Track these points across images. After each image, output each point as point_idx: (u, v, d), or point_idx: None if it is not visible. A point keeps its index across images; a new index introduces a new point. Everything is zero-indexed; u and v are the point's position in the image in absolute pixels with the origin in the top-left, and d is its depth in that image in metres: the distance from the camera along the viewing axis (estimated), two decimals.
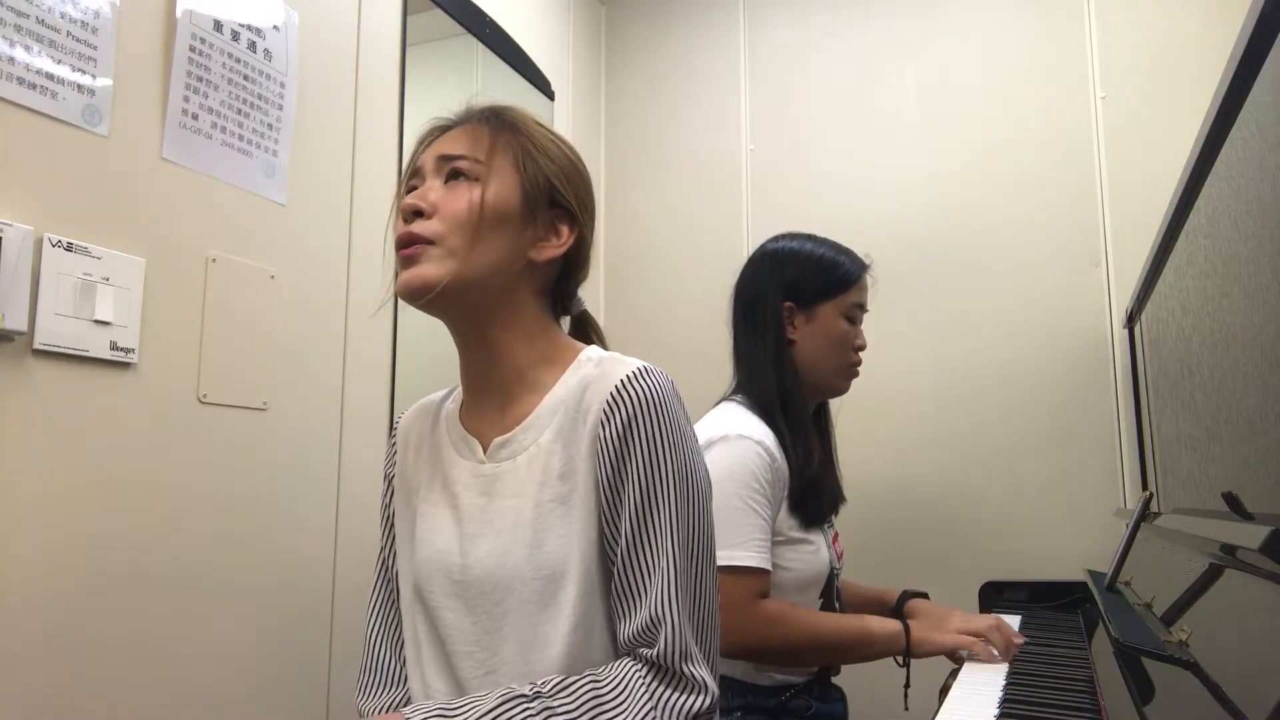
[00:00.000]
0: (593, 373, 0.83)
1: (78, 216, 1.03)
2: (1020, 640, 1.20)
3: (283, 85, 1.32)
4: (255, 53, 1.28)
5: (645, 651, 0.75)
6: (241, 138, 1.25)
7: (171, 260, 1.14)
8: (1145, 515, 1.26)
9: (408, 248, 0.81)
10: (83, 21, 1.04)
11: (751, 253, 1.42)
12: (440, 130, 0.88)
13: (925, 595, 1.44)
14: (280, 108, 1.31)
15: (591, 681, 0.73)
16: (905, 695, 1.27)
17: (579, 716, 0.71)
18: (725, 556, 1.11)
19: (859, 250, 1.40)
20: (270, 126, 1.30)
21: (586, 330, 0.95)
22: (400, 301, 0.91)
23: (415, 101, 1.61)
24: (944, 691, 1.05)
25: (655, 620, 0.75)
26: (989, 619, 1.21)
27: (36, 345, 0.97)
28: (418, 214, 0.82)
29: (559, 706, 0.71)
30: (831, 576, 1.32)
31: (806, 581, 1.28)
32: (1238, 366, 0.87)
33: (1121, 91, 1.90)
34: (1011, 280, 1.95)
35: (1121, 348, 1.84)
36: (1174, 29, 1.86)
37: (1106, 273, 1.88)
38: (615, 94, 2.45)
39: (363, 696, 0.90)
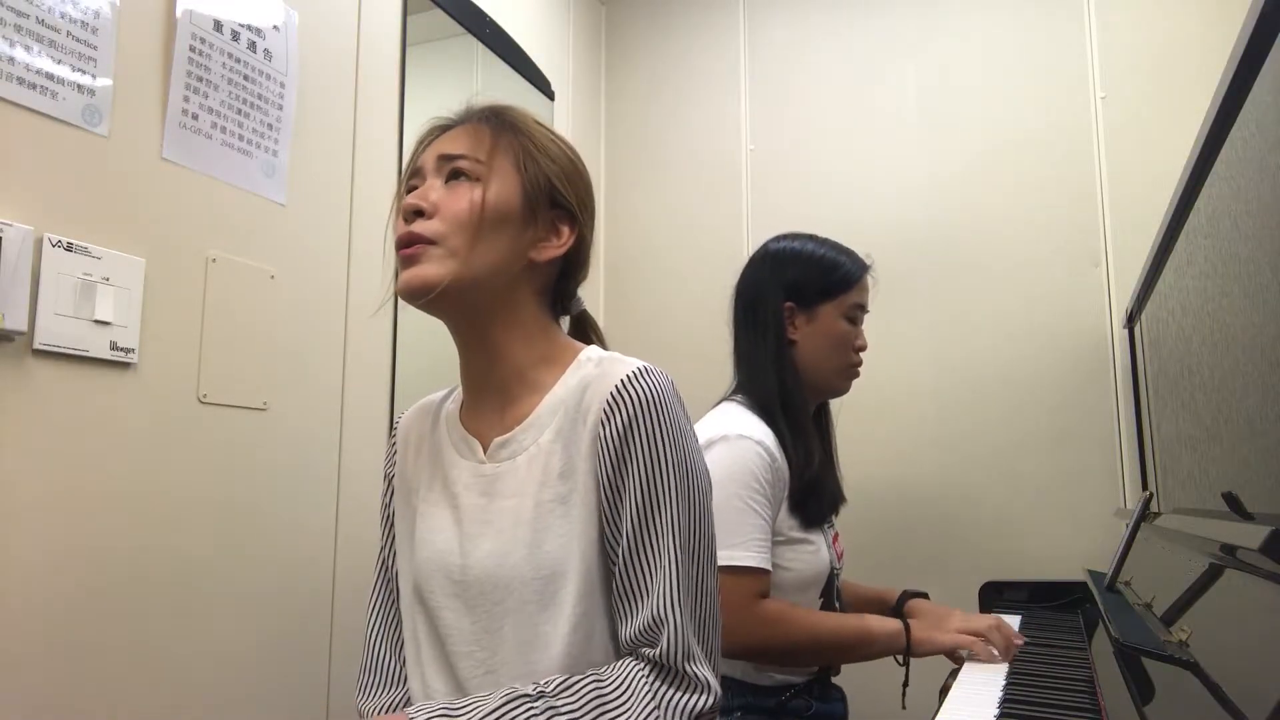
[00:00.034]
0: (593, 373, 0.83)
1: (78, 216, 1.03)
2: (1020, 640, 1.20)
3: (283, 85, 1.32)
4: (255, 53, 1.28)
5: (648, 651, 0.75)
6: (241, 138, 1.25)
7: (171, 260, 1.14)
8: (1145, 515, 1.26)
9: (409, 247, 0.81)
10: (83, 21, 1.04)
11: (752, 253, 1.42)
12: (441, 130, 0.88)
13: (925, 595, 1.44)
14: (280, 108, 1.31)
15: (595, 681, 0.73)
16: (903, 694, 1.27)
17: (583, 716, 0.71)
18: (725, 556, 1.11)
19: (859, 250, 1.40)
20: (270, 126, 1.30)
21: (586, 330, 0.95)
22: (400, 301, 0.91)
23: (415, 101, 1.61)
24: (944, 692, 1.05)
25: (657, 620, 0.75)
26: (989, 619, 1.21)
27: (36, 345, 0.97)
28: (419, 214, 0.82)
29: (563, 706, 0.71)
30: (832, 577, 1.32)
31: (807, 582, 1.28)
32: (1238, 366, 0.87)
33: (1121, 91, 1.90)
34: (1011, 280, 1.95)
35: (1121, 348, 1.84)
36: (1174, 29, 1.86)
37: (1106, 273, 1.88)
38: (615, 94, 2.45)
39: (362, 696, 0.90)
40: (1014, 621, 1.36)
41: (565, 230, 0.87)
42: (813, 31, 2.22)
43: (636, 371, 0.80)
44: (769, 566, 1.19)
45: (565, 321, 0.94)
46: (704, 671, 0.75)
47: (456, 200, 0.82)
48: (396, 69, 1.59)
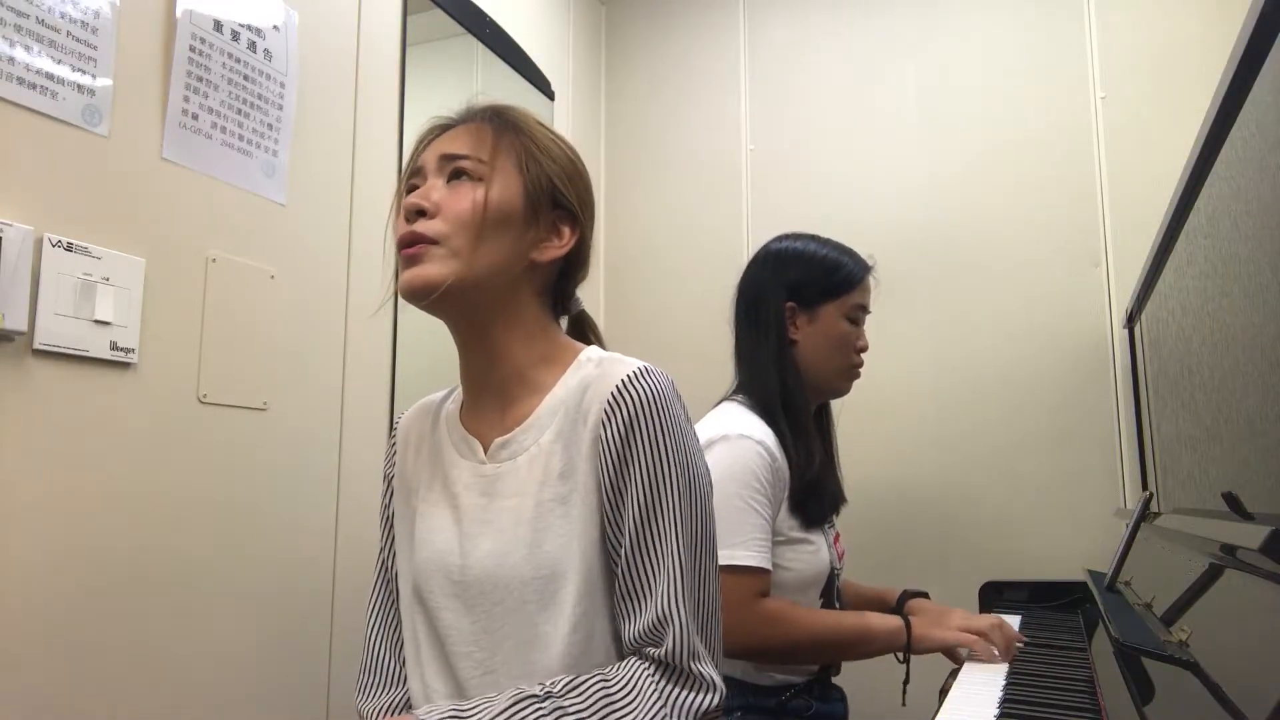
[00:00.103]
0: (593, 373, 0.83)
1: (78, 216, 1.03)
2: (1021, 640, 1.20)
3: (283, 85, 1.32)
4: (255, 53, 1.28)
5: (652, 651, 0.75)
6: (241, 138, 1.25)
7: (171, 260, 1.14)
8: (1145, 515, 1.26)
9: (411, 247, 0.81)
10: (83, 21, 1.04)
11: (753, 252, 1.43)
12: (441, 129, 0.88)
13: (926, 595, 1.44)
14: (280, 108, 1.31)
15: (601, 681, 0.73)
16: (904, 691, 1.27)
17: (590, 716, 0.71)
18: (725, 556, 1.11)
19: (860, 250, 1.40)
20: (270, 126, 1.30)
21: (584, 330, 0.95)
22: (400, 301, 0.91)
23: (415, 101, 1.61)
24: (943, 692, 1.05)
25: (662, 620, 0.75)
26: (990, 618, 1.21)
27: (36, 345, 0.97)
28: (421, 213, 0.82)
29: (570, 706, 0.71)
30: (832, 577, 1.32)
31: (807, 581, 1.28)
32: (1238, 366, 0.87)
33: (1121, 91, 1.90)
34: (1011, 280, 1.95)
35: (1121, 348, 1.84)
36: (1174, 29, 1.86)
37: (1106, 273, 1.88)
38: (615, 94, 2.45)
39: (362, 697, 0.90)
40: (1014, 621, 1.36)
41: (567, 231, 0.87)
42: (813, 31, 2.22)
43: (637, 372, 0.80)
44: (769, 566, 1.19)
45: (564, 321, 0.94)
46: (709, 670, 0.76)
47: (459, 200, 0.81)
48: (396, 69, 1.59)
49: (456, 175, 0.83)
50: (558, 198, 0.86)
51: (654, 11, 2.42)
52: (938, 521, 1.95)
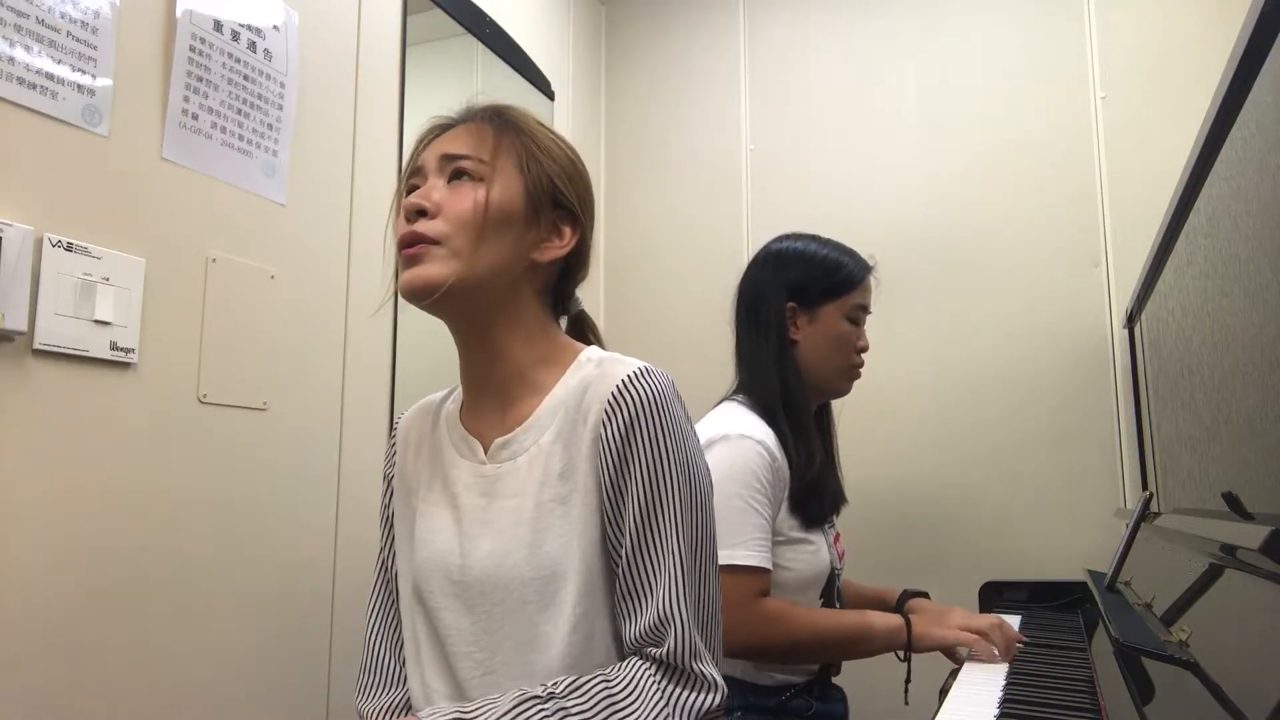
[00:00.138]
0: (593, 373, 0.83)
1: (78, 216, 1.03)
2: (1021, 640, 1.20)
3: (283, 85, 1.32)
4: (255, 53, 1.28)
5: (654, 651, 0.75)
6: (241, 138, 1.25)
7: (171, 260, 1.14)
8: (1145, 515, 1.26)
9: (411, 247, 0.81)
10: (83, 21, 1.04)
11: (753, 253, 1.43)
12: (441, 129, 0.87)
13: (926, 595, 1.44)
14: (280, 108, 1.31)
15: (603, 681, 0.73)
16: (906, 690, 1.27)
17: (593, 717, 0.71)
18: (726, 555, 1.11)
19: (860, 250, 1.40)
20: (270, 126, 1.30)
21: (584, 330, 0.95)
22: (400, 301, 0.91)
23: (415, 101, 1.61)
24: (943, 692, 1.05)
25: (663, 620, 0.75)
26: (990, 618, 1.21)
27: (36, 345, 0.97)
28: (421, 213, 0.81)
29: (573, 707, 0.71)
30: (832, 577, 1.32)
31: (807, 582, 1.28)
32: (1238, 366, 0.87)
33: (1121, 91, 1.90)
34: (1011, 280, 1.95)
35: (1121, 348, 1.84)
36: (1174, 29, 1.86)
37: (1106, 273, 1.88)
38: (615, 94, 2.45)
39: (362, 697, 0.90)
40: (1014, 621, 1.36)
41: (567, 231, 0.87)
42: (813, 31, 2.22)
43: (637, 372, 0.80)
44: (769, 565, 1.19)
45: (564, 321, 0.94)
46: (710, 670, 0.76)
47: (460, 200, 0.81)
48: (396, 69, 1.59)
49: (457, 175, 0.83)
50: (558, 198, 0.86)
51: (654, 11, 2.42)
52: (938, 521, 1.95)
